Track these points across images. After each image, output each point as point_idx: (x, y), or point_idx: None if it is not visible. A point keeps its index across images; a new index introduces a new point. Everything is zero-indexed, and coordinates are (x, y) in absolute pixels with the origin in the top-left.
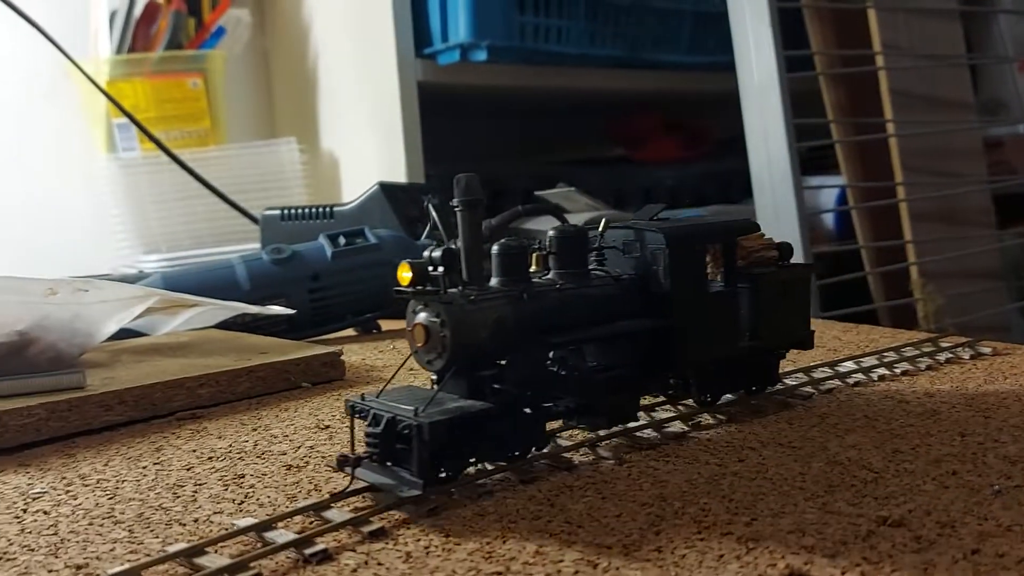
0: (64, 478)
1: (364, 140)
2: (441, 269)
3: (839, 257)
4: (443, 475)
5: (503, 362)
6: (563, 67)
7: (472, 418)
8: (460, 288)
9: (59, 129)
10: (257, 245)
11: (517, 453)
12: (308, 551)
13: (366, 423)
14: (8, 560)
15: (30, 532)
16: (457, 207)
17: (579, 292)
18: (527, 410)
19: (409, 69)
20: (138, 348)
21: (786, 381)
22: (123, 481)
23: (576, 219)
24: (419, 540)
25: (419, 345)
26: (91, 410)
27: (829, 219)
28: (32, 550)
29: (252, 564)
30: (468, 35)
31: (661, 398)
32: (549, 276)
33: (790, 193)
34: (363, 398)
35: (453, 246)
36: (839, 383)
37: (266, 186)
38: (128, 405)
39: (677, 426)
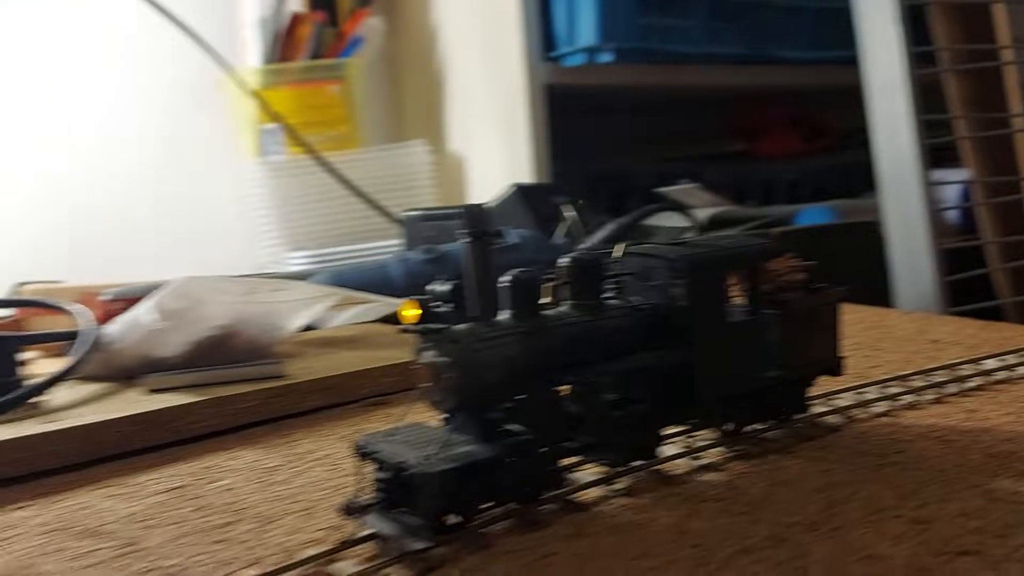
0: (289, 454)
1: (490, 142)
2: (451, 305)
3: (962, 253)
4: (454, 523)
5: (514, 401)
6: (685, 65)
7: (483, 464)
8: (469, 325)
9: (210, 135)
10: (393, 243)
11: (530, 493)
12: None
13: (376, 467)
14: (273, 522)
15: (278, 499)
16: (465, 240)
17: (593, 325)
18: (542, 450)
19: (536, 72)
20: (316, 340)
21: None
22: (341, 457)
23: (699, 215)
24: None
25: (428, 385)
26: (297, 396)
27: (952, 214)
28: (290, 514)
29: None
30: (595, 38)
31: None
32: (562, 308)
33: (916, 189)
34: (369, 440)
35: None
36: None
37: (397, 187)
38: (327, 392)
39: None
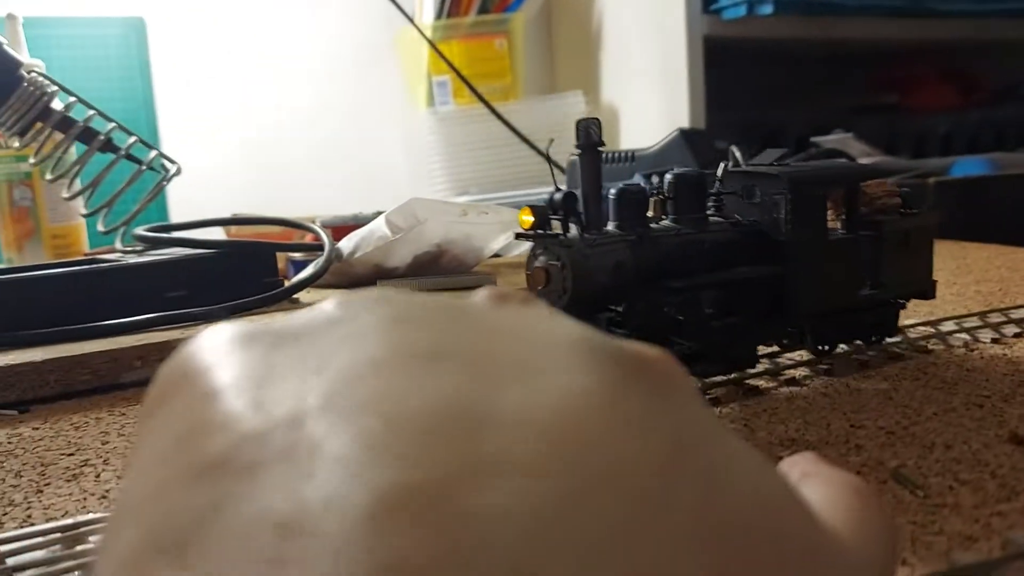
0: None
1: (645, 92)
2: (561, 213)
3: None
4: None
5: (620, 307)
6: (843, 17)
7: None
8: (580, 232)
9: (385, 87)
10: (546, 189)
11: None
12: None
13: None
14: None
15: None
16: (576, 152)
17: (696, 238)
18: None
19: (696, 24)
20: (502, 264)
21: None
22: None
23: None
24: None
25: (540, 288)
26: None
27: None
28: None
29: None
30: None
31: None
32: (666, 222)
33: None
34: None
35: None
36: None
37: (554, 136)
38: None
39: None
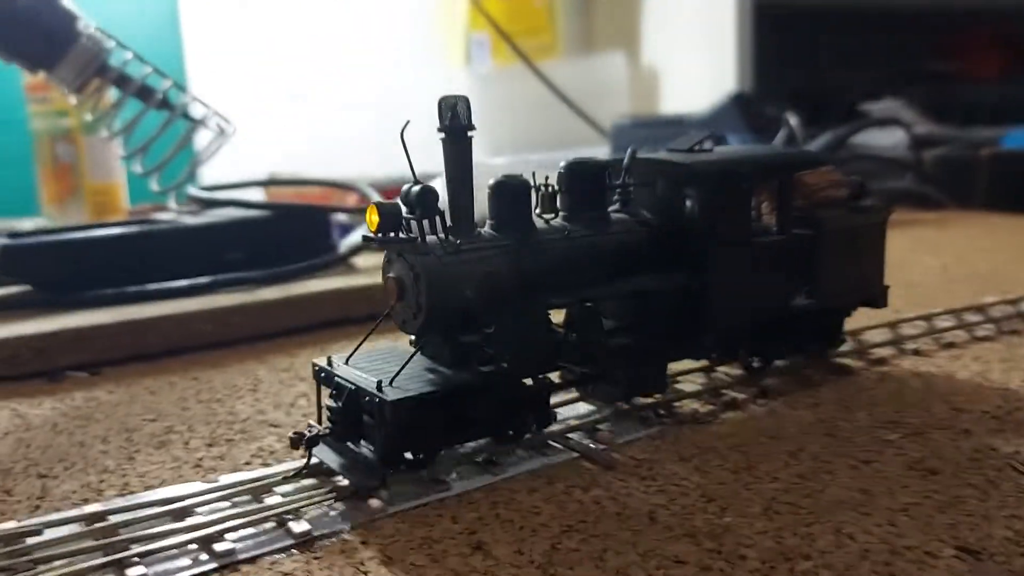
0: None
1: (691, 54)
2: (417, 212)
3: None
4: (413, 459)
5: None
6: None
7: (449, 394)
8: (443, 236)
9: (420, 46)
10: (595, 151)
11: (511, 432)
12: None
13: (329, 394)
14: None
15: None
16: (441, 137)
17: (592, 240)
18: (526, 381)
19: None
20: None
21: None
22: None
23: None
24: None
25: (392, 302)
26: None
27: None
28: None
29: None
30: None
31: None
32: (557, 220)
33: None
34: (330, 362)
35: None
36: None
37: (593, 96)
38: None
39: None
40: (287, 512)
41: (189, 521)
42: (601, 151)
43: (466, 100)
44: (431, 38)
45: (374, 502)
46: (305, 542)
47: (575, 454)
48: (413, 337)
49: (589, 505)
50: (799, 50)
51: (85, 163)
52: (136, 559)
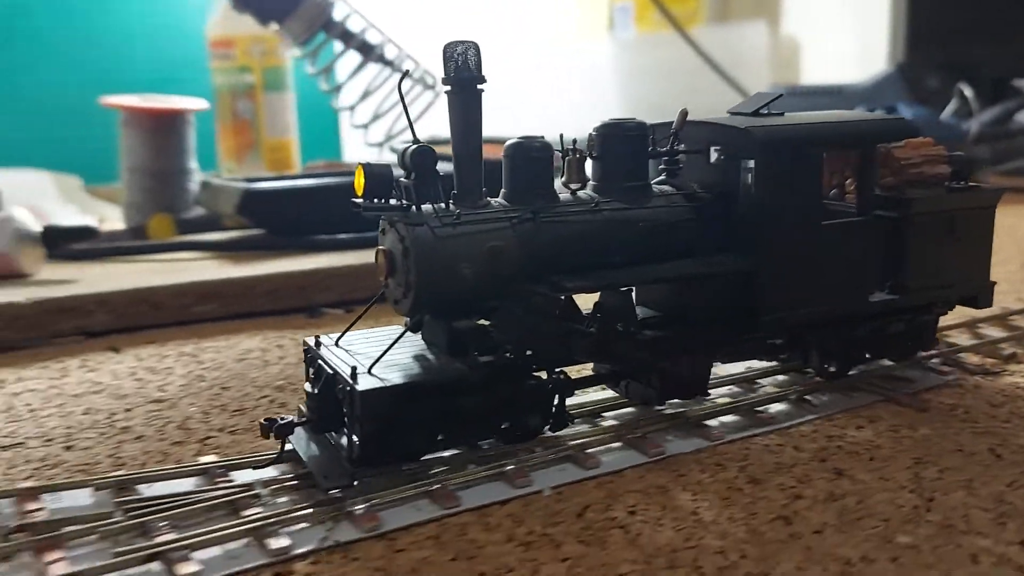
0: None
1: (835, 24)
2: (412, 176)
3: None
4: (395, 458)
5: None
6: None
7: (434, 387)
8: (441, 204)
9: (561, 13)
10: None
11: (519, 433)
12: None
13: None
14: None
15: None
16: (447, 89)
17: (625, 215)
18: (533, 378)
19: None
20: None
21: None
22: None
23: None
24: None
25: (383, 279)
26: None
27: None
28: None
29: None
30: None
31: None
32: (586, 191)
33: None
34: (318, 342)
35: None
36: None
37: (733, 64)
38: None
39: None
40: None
41: None
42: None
43: (476, 46)
44: (572, 5)
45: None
46: None
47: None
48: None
49: (924, 442)
50: (950, 20)
51: (263, 119)
52: None
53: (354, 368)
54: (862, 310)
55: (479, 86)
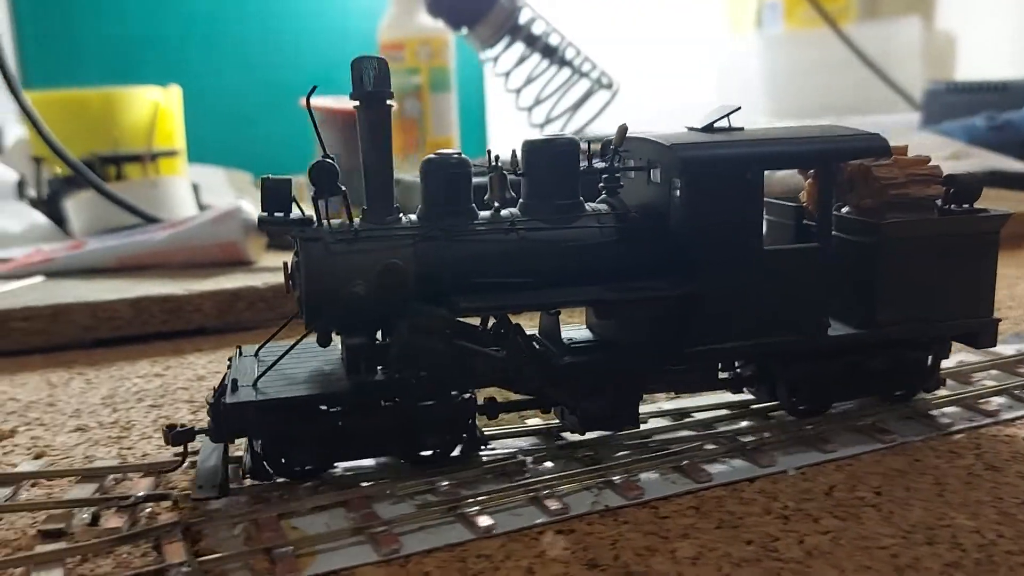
0: None
1: (993, 19)
2: (313, 191)
3: None
4: (283, 471)
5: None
6: None
7: (307, 403)
8: (343, 220)
9: (707, 10)
10: (897, 118)
11: (415, 455)
12: None
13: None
14: None
15: None
16: (355, 104)
17: (539, 236)
18: (432, 398)
19: None
20: None
21: None
22: None
23: None
24: None
25: (287, 294)
26: None
27: None
28: None
29: None
30: None
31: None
32: (511, 209)
33: None
34: (240, 352)
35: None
36: None
37: (885, 61)
38: None
39: None
40: None
41: None
42: (907, 118)
43: (383, 62)
44: (720, 2)
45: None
46: None
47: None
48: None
49: None
50: None
51: (429, 118)
52: None
53: (236, 380)
54: (814, 344)
55: (388, 101)
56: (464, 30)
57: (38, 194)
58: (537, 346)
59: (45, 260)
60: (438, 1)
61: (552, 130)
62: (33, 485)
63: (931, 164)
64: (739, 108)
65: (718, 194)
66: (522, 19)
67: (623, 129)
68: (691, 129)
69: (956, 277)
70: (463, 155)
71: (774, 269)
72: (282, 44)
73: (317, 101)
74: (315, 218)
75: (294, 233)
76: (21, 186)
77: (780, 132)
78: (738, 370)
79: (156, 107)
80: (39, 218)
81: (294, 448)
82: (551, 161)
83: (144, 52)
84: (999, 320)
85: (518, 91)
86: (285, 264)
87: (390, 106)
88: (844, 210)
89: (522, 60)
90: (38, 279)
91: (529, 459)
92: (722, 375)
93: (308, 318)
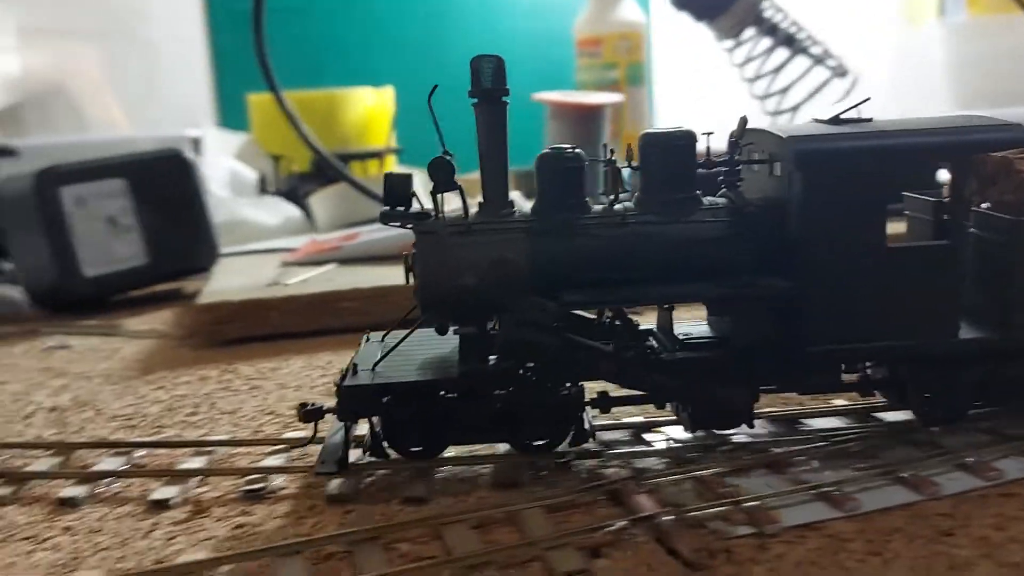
0: None
1: None
2: (432, 185)
3: None
4: (400, 451)
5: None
6: None
7: (411, 388)
8: (458, 213)
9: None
10: None
11: (536, 442)
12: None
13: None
14: None
15: None
16: (473, 102)
17: (651, 230)
18: (540, 390)
19: None
20: None
21: None
22: None
23: None
24: None
25: (408, 284)
26: None
27: None
28: None
29: None
30: None
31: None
32: (624, 204)
33: None
34: (368, 337)
35: None
36: None
37: None
38: None
39: None
40: None
41: None
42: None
43: (500, 60)
44: None
45: None
46: None
47: None
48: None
49: None
50: None
51: (626, 112)
52: None
53: (356, 364)
54: (943, 348)
55: (503, 98)
56: (704, 22)
57: (276, 190)
58: (654, 341)
59: (334, 248)
60: None
61: (784, 119)
62: None
63: None
64: (868, 99)
65: (836, 189)
66: (765, 10)
67: (743, 121)
68: (818, 121)
69: None
70: (577, 150)
71: (900, 268)
72: (479, 44)
73: (546, 95)
74: (433, 212)
75: (411, 226)
76: (262, 182)
77: (910, 123)
78: (868, 372)
79: (380, 106)
80: (292, 211)
81: (406, 429)
82: (665, 154)
83: (356, 55)
84: None
85: (752, 80)
86: (405, 256)
87: (506, 103)
88: (984, 206)
89: (767, 51)
90: (331, 266)
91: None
92: (849, 377)
93: (423, 308)
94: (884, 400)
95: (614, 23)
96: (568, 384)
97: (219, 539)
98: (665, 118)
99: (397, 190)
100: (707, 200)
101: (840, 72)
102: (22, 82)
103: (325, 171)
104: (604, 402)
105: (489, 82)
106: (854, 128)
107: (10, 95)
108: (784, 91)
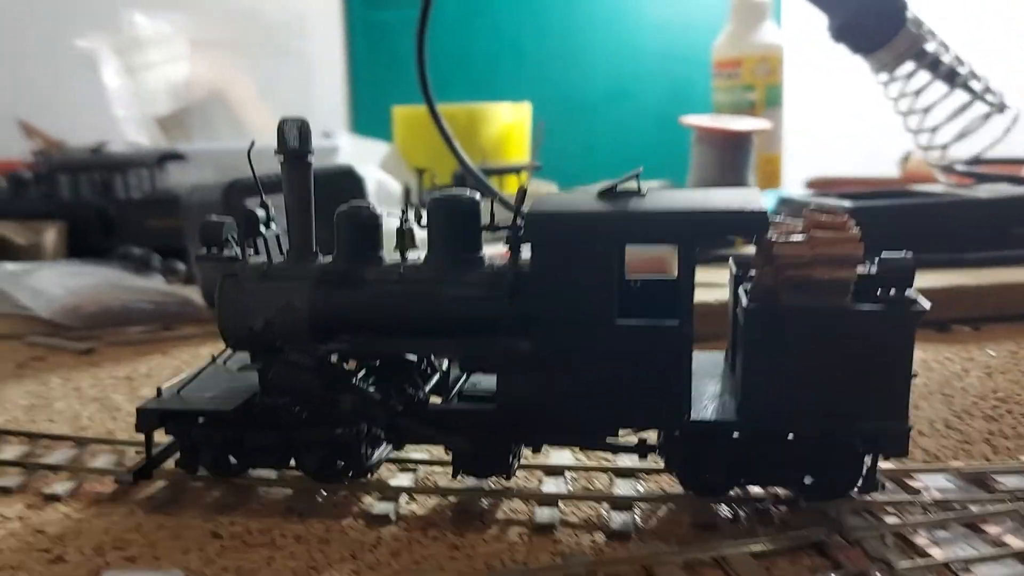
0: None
1: None
2: (238, 233)
3: None
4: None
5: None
6: None
7: (193, 415)
8: (263, 260)
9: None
10: None
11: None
12: None
13: None
14: None
15: None
16: (281, 160)
17: (425, 288)
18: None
19: None
20: None
21: None
22: None
23: None
24: None
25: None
26: None
27: None
28: None
29: None
30: None
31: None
32: (414, 260)
33: None
34: (213, 358)
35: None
36: None
37: None
38: None
39: None
40: None
41: None
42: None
43: (305, 122)
44: None
45: None
46: None
47: None
48: None
49: None
50: None
51: (762, 135)
52: None
53: (160, 388)
54: (674, 426)
55: (308, 158)
56: (861, 55)
57: (420, 202)
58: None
59: None
60: (847, 27)
61: (936, 155)
62: None
63: (856, 242)
64: (641, 169)
65: (567, 262)
66: (928, 45)
67: (521, 190)
68: (605, 192)
69: (853, 371)
70: (373, 207)
71: (627, 344)
72: (614, 60)
73: (694, 119)
74: (240, 256)
75: (219, 270)
76: (407, 194)
77: (662, 203)
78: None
79: (517, 121)
80: None
81: (198, 450)
82: (450, 217)
83: (485, 69)
84: (910, 427)
85: (906, 114)
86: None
87: (310, 163)
88: (743, 288)
89: (925, 85)
90: None
91: None
92: (615, 439)
93: (225, 343)
94: None
95: (755, 45)
96: (348, 424)
97: None
98: (793, 143)
99: (212, 235)
100: (492, 263)
101: (1000, 108)
102: (188, 89)
103: (467, 185)
104: (397, 437)
105: (295, 143)
106: (605, 204)
107: (178, 101)
108: (937, 128)
